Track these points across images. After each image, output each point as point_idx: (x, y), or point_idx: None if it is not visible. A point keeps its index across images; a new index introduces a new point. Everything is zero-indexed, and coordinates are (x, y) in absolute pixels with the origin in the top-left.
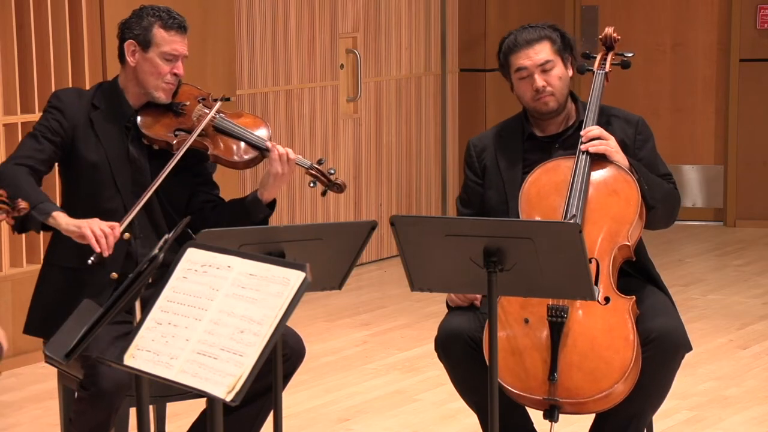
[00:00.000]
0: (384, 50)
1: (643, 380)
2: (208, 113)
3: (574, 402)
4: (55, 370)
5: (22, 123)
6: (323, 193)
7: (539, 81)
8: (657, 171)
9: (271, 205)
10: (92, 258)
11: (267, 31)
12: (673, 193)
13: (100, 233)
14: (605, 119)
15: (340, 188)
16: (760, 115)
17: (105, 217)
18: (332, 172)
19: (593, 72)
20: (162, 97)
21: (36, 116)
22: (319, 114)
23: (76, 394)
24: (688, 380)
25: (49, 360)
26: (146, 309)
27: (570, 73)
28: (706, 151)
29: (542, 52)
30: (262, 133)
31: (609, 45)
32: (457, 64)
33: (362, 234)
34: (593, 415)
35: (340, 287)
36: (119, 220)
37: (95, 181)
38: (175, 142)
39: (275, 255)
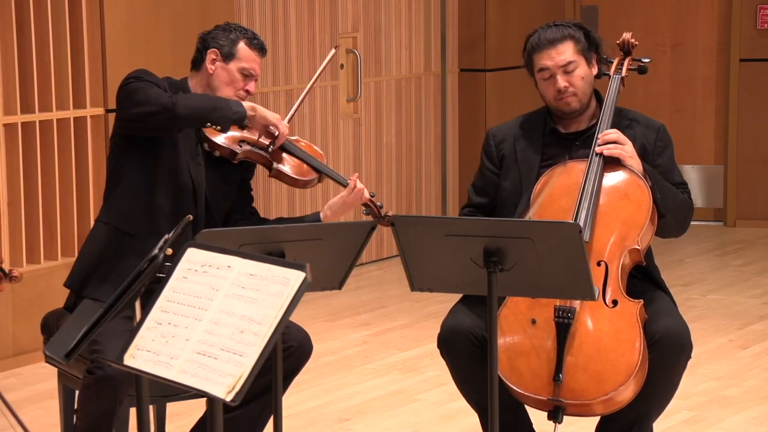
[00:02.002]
0: (384, 50)
1: (647, 382)
2: (279, 132)
3: (579, 403)
4: (55, 370)
5: (22, 123)
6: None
7: (561, 82)
8: (672, 179)
9: None
10: (271, 147)
11: (267, 31)
12: (686, 203)
13: (285, 132)
14: (626, 123)
15: (388, 222)
16: (760, 115)
17: (175, 203)
18: (381, 205)
19: (609, 76)
20: None
21: (36, 116)
22: (319, 114)
23: (78, 388)
24: (688, 380)
25: (49, 360)
26: (146, 309)
27: (594, 72)
28: (706, 151)
29: (565, 52)
30: (320, 159)
31: (626, 50)
32: (457, 64)
33: (362, 234)
34: (597, 418)
35: (340, 287)
36: (188, 208)
37: (175, 167)
38: (240, 152)
39: (275, 255)
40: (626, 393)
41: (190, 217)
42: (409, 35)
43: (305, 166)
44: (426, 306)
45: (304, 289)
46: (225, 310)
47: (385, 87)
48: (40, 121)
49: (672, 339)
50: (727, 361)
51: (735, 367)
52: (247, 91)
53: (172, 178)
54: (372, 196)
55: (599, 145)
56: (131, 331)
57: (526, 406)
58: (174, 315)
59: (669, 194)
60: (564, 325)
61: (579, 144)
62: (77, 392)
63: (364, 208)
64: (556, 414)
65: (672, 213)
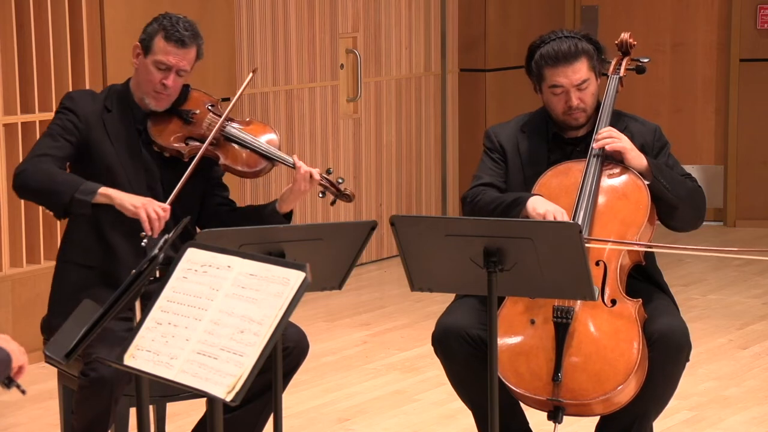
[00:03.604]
0: (384, 50)
1: (646, 381)
2: (218, 121)
3: (578, 403)
4: (55, 370)
5: (22, 123)
6: (332, 203)
7: (574, 100)
8: (679, 173)
9: (288, 215)
10: (145, 240)
11: (267, 31)
12: (697, 190)
13: (154, 216)
14: (623, 125)
15: (349, 198)
16: (760, 115)
17: (123, 223)
18: (341, 181)
19: (608, 76)
20: (152, 104)
21: (36, 116)
22: (319, 114)
23: (76, 388)
24: (688, 380)
25: (49, 360)
26: (146, 309)
27: (599, 82)
28: (706, 151)
29: (580, 71)
30: (271, 141)
31: (625, 50)
32: (457, 64)
33: (362, 234)
34: (597, 418)
35: (340, 287)
36: (138, 226)
37: (113, 182)
38: (186, 151)
39: (275, 255)
40: (626, 392)
41: (189, 218)
42: (409, 35)
43: (253, 155)
44: (426, 306)
45: (304, 289)
46: (225, 310)
47: (385, 87)
48: (40, 121)
49: (670, 338)
50: (727, 361)
51: (735, 367)
52: (164, 85)
53: None
54: (328, 173)
55: (596, 143)
56: (130, 330)
57: (522, 405)
58: (174, 315)
59: (678, 183)
60: (562, 325)
61: (580, 150)
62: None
63: (319, 190)
64: (555, 414)
65: (684, 201)
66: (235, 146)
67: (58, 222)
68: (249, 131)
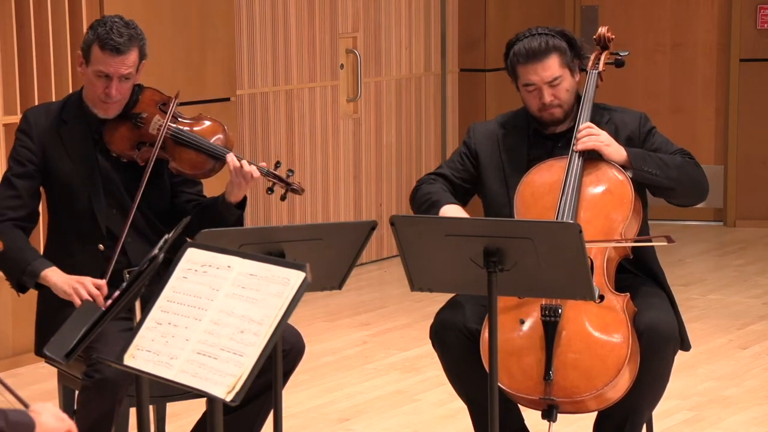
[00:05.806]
0: (384, 50)
1: (636, 375)
2: (163, 126)
3: (571, 401)
4: (55, 370)
5: None
6: (282, 197)
7: (547, 96)
8: (669, 150)
9: (241, 204)
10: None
11: (267, 31)
12: (689, 164)
13: (87, 298)
14: (606, 118)
15: (298, 191)
16: (760, 115)
17: (82, 234)
18: (290, 174)
19: (587, 72)
20: (101, 113)
21: None
22: (319, 114)
23: (77, 391)
24: (688, 380)
25: (49, 360)
26: (146, 309)
27: (577, 78)
28: (706, 151)
29: (551, 68)
30: (217, 138)
31: (603, 44)
32: (457, 64)
33: (362, 234)
34: (593, 415)
35: (340, 287)
36: (96, 237)
37: (70, 196)
38: (138, 157)
39: (275, 255)
40: (618, 387)
41: (188, 218)
42: (409, 35)
43: (200, 156)
44: (426, 306)
45: (304, 289)
46: (225, 310)
47: (385, 87)
48: None
49: (655, 331)
50: (727, 361)
51: (735, 367)
52: (108, 94)
53: (70, 208)
54: (276, 167)
55: (576, 146)
56: (131, 330)
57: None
58: (174, 315)
59: (666, 165)
60: (551, 324)
61: (561, 145)
62: (77, 393)
63: (267, 187)
64: (549, 413)
65: (679, 180)
66: (183, 148)
67: None
68: (197, 131)
